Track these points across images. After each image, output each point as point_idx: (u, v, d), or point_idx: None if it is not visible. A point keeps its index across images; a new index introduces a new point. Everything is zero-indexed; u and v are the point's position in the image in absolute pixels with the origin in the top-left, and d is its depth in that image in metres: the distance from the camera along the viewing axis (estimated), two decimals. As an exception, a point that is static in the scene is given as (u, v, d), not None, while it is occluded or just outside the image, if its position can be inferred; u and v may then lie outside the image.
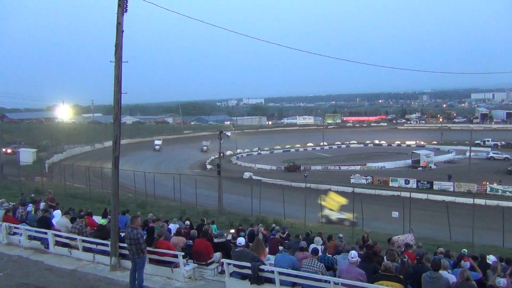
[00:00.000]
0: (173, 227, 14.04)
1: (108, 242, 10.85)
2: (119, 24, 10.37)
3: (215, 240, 11.70)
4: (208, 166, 69.96)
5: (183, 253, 10.19)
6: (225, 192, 35.27)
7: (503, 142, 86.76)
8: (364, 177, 56.09)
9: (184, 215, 20.28)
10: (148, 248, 9.86)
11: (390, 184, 52.61)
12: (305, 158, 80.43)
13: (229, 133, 41.92)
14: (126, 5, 10.45)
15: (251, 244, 10.68)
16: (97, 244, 11.31)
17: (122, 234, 10.57)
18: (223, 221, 26.28)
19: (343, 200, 32.99)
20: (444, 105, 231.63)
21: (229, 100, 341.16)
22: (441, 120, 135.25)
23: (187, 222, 15.40)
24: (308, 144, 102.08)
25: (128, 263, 9.96)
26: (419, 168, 64.93)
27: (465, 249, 15.24)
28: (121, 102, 10.86)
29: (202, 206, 33.27)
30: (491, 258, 11.36)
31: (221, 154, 38.41)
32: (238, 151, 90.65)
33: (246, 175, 58.45)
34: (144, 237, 9.78)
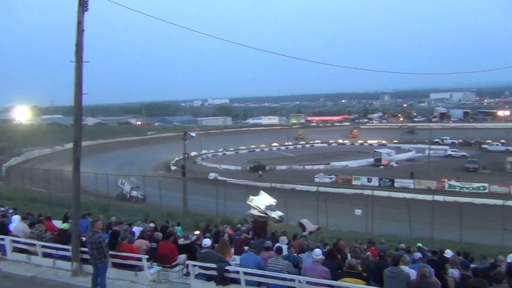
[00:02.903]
0: (137, 229, 13.84)
1: (69, 247, 10.58)
2: (80, 23, 10.16)
3: (180, 242, 11.62)
4: (173, 168, 69.25)
5: (147, 256, 10.07)
6: (190, 193, 35.01)
7: (460, 140, 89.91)
8: (328, 176, 56.89)
9: (148, 217, 19.97)
10: (111, 252, 9.69)
11: (354, 183, 53.55)
12: (270, 158, 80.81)
13: (194, 134, 41.58)
14: (87, 4, 10.25)
15: (216, 245, 10.66)
16: (58, 249, 11.01)
17: (84, 239, 10.34)
18: (188, 222, 26.04)
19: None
20: (405, 105, 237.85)
21: (193, 101, 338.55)
22: (402, 119, 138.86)
23: (151, 225, 15.21)
24: (273, 144, 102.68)
25: (90, 268, 9.74)
26: (381, 167, 66.43)
27: (420, 243, 15.73)
28: (82, 103, 10.64)
29: (166, 208, 32.90)
30: (448, 253, 11.75)
31: (186, 155, 38.12)
32: (203, 152, 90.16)
33: (211, 176, 58.20)
34: (106, 241, 9.61)
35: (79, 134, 10.76)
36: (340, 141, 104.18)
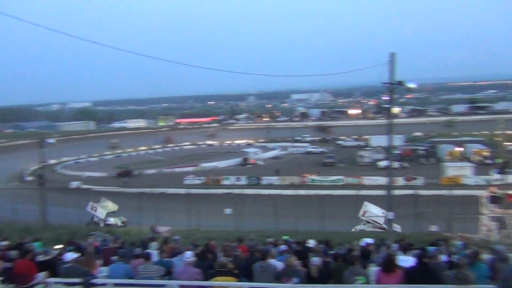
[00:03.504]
0: (-14, 250, 12.35)
1: None
2: None
3: (39, 259, 10.66)
4: (28, 178, 63.36)
5: (1, 278, 9.07)
6: (50, 205, 32.31)
7: (319, 137, 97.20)
8: (198, 178, 57.09)
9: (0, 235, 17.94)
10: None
11: (223, 183, 54.51)
12: (139, 162, 78.41)
13: (52, 140, 38.59)
14: None
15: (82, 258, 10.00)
16: None
17: None
18: (49, 237, 23.95)
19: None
20: (269, 106, 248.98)
21: (51, 105, 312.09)
22: (267, 119, 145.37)
23: (3, 243, 13.72)
24: (141, 148, 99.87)
25: None
26: (249, 165, 68.67)
27: (287, 236, 16.66)
28: None
29: (22, 222, 29.88)
30: (311, 242, 12.62)
31: (43, 164, 35.15)
32: (64, 159, 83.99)
33: (73, 184, 54.49)
34: None
35: None
36: (209, 142, 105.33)
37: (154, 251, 10.74)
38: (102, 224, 32.16)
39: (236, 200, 30.10)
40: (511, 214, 23.57)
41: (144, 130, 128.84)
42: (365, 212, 26.55)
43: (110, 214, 33.94)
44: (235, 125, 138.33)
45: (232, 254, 10.53)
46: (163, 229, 17.16)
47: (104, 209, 33.85)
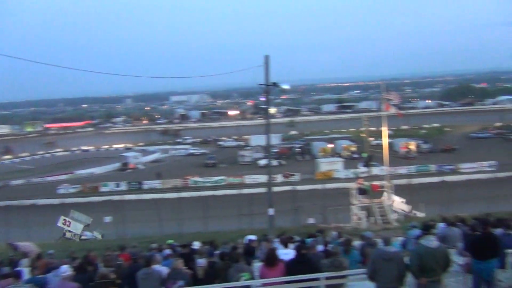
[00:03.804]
0: None
1: None
2: None
3: None
4: None
5: None
6: None
7: (200, 139, 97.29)
8: (73, 186, 53.64)
9: None
10: None
11: (101, 190, 51.96)
12: (3, 173, 71.05)
13: None
14: None
15: None
16: None
17: None
18: None
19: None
20: (148, 108, 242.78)
21: None
22: (146, 122, 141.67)
23: None
24: (5, 157, 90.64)
25: None
26: (129, 170, 66.33)
27: (171, 240, 16.45)
28: None
29: None
30: (196, 244, 12.60)
31: None
32: None
33: None
34: None
35: None
36: (84, 147, 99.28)
37: (24, 269, 9.84)
38: (77, 240, 27.77)
39: (116, 207, 28.83)
40: (377, 203, 25.95)
41: (9, 137, 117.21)
42: (393, 201, 27.78)
43: (85, 228, 29.26)
44: (112, 129, 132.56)
45: (114, 263, 10.09)
46: (25, 245, 15.46)
47: (79, 223, 29.07)
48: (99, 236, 28.87)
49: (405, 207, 28.42)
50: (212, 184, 51.24)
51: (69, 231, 28.34)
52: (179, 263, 8.35)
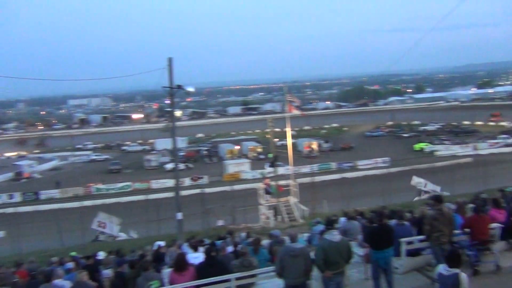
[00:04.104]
0: None
1: None
2: None
3: None
4: None
5: None
6: None
7: (102, 144, 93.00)
8: (-43, 200, 48.57)
9: None
10: None
11: (-8, 202, 47.63)
12: None
13: None
14: None
15: None
16: None
17: None
18: None
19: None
20: (43, 112, 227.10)
21: None
22: (41, 127, 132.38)
23: None
24: None
25: None
26: (23, 180, 61.53)
27: (74, 252, 15.63)
28: None
29: None
30: (101, 254, 12.11)
31: None
32: None
33: None
34: None
35: None
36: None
37: None
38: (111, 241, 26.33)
39: (10, 220, 26.59)
40: (283, 201, 26.73)
41: None
42: (426, 184, 32.00)
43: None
44: (3, 135, 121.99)
45: (9, 281, 9.34)
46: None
47: (114, 224, 28.13)
48: (135, 236, 28.27)
49: (438, 189, 31.76)
50: (117, 191, 49.46)
51: (103, 233, 27.76)
52: (83, 276, 7.96)
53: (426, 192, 31.72)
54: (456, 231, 8.80)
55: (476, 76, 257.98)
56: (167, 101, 20.71)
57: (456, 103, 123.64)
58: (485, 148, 59.76)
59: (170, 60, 18.54)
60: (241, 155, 66.38)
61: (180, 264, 7.68)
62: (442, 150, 60.82)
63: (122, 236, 28.20)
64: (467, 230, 9.00)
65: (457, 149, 60.19)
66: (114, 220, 28.58)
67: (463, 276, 5.61)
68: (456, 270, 5.64)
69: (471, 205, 11.08)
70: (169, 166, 54.70)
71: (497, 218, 9.86)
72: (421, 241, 9.01)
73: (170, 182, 44.43)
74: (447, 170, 39.13)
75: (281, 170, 36.15)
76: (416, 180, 33.54)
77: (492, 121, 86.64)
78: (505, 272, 8.70)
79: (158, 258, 11.18)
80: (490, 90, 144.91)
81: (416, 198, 31.27)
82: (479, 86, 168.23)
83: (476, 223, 8.98)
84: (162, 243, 13.20)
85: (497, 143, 62.32)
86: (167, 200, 31.02)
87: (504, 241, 9.63)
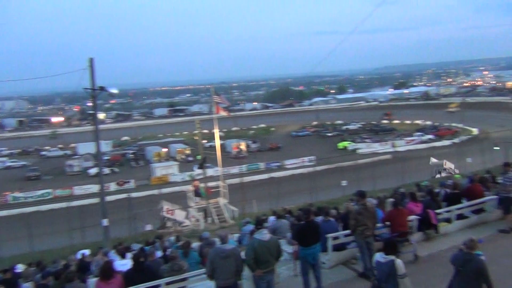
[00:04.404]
0: None
1: None
2: None
3: None
4: None
5: None
6: None
7: (18, 150, 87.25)
8: None
9: None
10: None
11: None
12: None
13: None
14: None
15: None
16: None
17: None
18: None
19: None
20: None
21: None
22: None
23: None
24: None
25: None
26: None
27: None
28: None
29: None
30: (19, 267, 11.41)
31: None
32: None
33: None
34: None
35: None
36: None
37: None
38: (178, 228, 25.90)
39: None
40: (213, 203, 26.71)
41: None
42: (445, 162, 36.20)
43: None
44: None
45: None
46: None
47: (181, 211, 27.32)
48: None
49: (452, 166, 36.02)
50: (36, 199, 46.62)
51: (170, 220, 26.87)
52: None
53: (445, 170, 35.65)
54: (378, 225, 9.31)
55: (393, 77, 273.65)
56: (89, 103, 19.94)
57: (375, 103, 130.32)
58: (402, 145, 63.38)
59: (91, 61, 17.86)
60: (169, 157, 65.31)
61: (106, 272, 7.39)
62: (364, 148, 63.76)
63: (187, 222, 26.98)
64: (387, 223, 9.56)
65: (377, 147, 63.43)
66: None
67: (399, 261, 6.00)
68: (392, 257, 6.04)
69: (390, 200, 11.76)
70: (93, 171, 52.60)
71: (414, 211, 10.62)
72: (346, 235, 9.41)
73: (94, 188, 42.84)
74: (369, 167, 40.99)
75: (210, 172, 36.10)
76: (434, 161, 38.07)
77: (385, 119, 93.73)
78: (422, 261, 9.33)
79: (83, 268, 10.72)
80: (406, 91, 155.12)
81: (437, 176, 34.52)
82: (396, 87, 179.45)
83: (395, 216, 9.58)
84: (86, 252, 12.66)
85: (413, 140, 66.57)
86: (91, 207, 29.85)
87: (421, 232, 10.34)
